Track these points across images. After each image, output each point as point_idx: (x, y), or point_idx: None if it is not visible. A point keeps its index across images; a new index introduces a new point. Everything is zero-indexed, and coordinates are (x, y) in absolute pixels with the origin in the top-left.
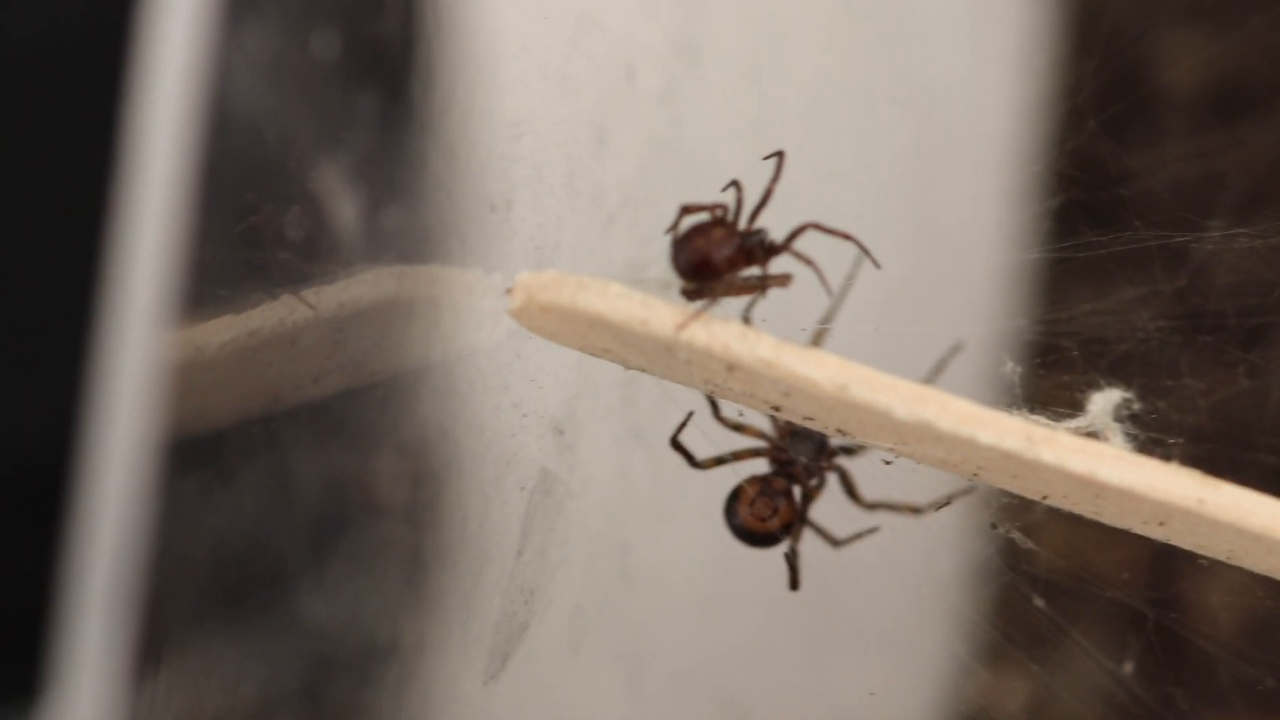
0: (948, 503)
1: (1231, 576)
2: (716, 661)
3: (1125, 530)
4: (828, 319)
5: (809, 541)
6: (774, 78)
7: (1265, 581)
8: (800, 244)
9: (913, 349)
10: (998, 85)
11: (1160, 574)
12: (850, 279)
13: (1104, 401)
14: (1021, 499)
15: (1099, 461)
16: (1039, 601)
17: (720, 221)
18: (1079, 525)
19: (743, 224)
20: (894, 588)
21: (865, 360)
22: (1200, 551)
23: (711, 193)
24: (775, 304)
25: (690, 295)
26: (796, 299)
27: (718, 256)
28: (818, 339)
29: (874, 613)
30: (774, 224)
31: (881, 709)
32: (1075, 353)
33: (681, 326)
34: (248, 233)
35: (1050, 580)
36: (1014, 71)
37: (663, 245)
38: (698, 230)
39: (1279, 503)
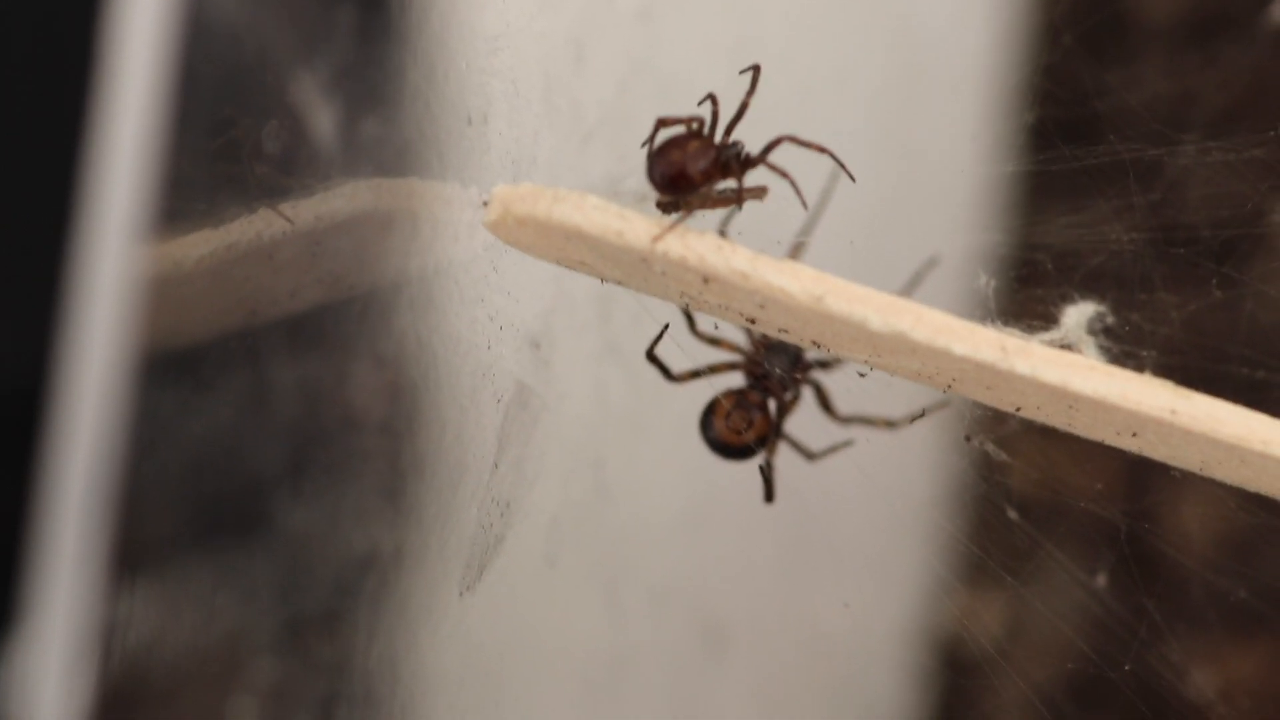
0: (922, 415)
1: (1204, 489)
2: (693, 575)
3: (1099, 442)
4: (804, 233)
5: (787, 457)
6: None
7: (1237, 493)
8: (776, 159)
9: (888, 263)
10: (974, 1)
11: (1134, 486)
12: (826, 193)
13: (1078, 314)
14: (996, 411)
15: (1072, 372)
16: (1013, 514)
17: (696, 134)
18: (1053, 438)
19: (718, 137)
20: (870, 503)
21: (841, 274)
22: (1173, 463)
23: (689, 108)
24: (751, 218)
25: (666, 208)
26: (773, 213)
27: (693, 169)
28: (794, 252)
29: (851, 528)
30: (751, 140)
31: (859, 624)
32: (1049, 266)
33: (657, 238)
34: (225, 146)
35: (1024, 493)
36: None
37: (639, 160)
38: (673, 143)
39: (1251, 413)
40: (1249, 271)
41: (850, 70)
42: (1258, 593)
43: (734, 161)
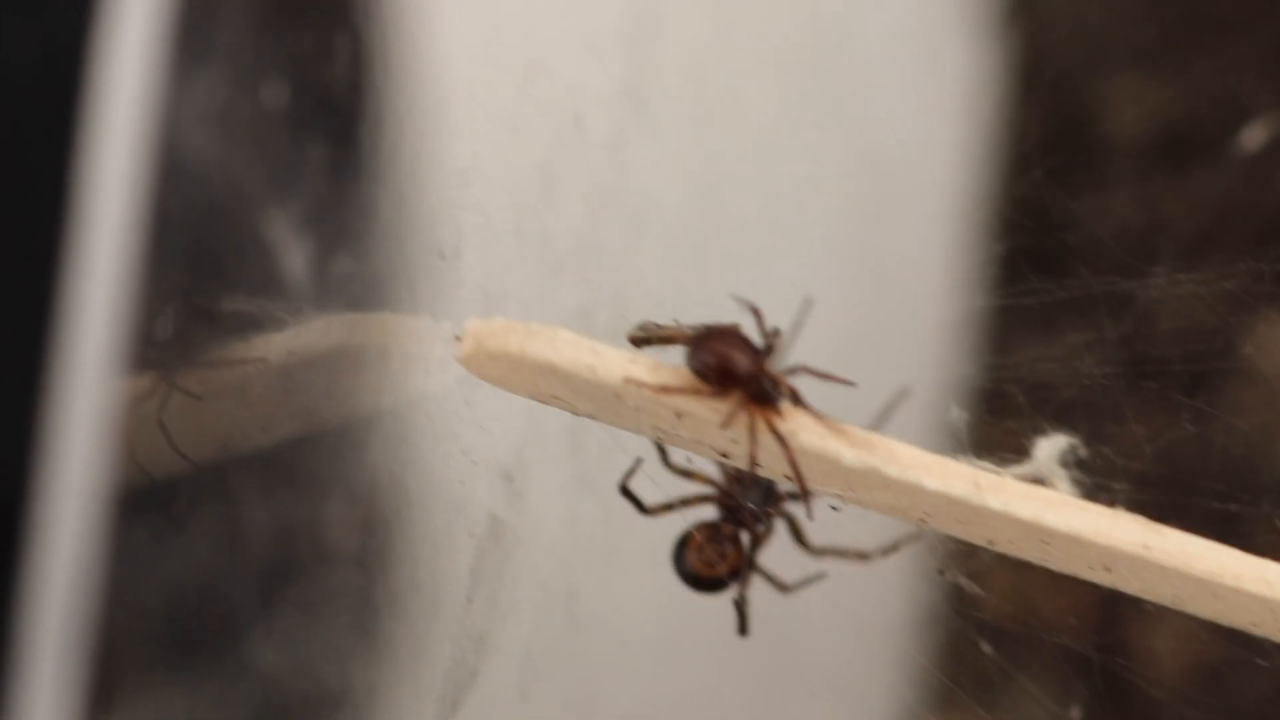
0: (895, 549)
1: (1177, 621)
2: (666, 708)
3: (1072, 576)
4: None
5: (759, 588)
6: (721, 126)
7: (1210, 626)
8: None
9: (859, 395)
10: (944, 132)
11: (1107, 619)
12: (796, 326)
13: (1050, 447)
14: (968, 544)
15: (1045, 507)
16: (986, 647)
17: (749, 342)
18: (1026, 570)
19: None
20: (843, 633)
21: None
22: (1146, 597)
23: (657, 240)
24: None
25: (638, 343)
26: None
27: (742, 368)
28: None
29: (823, 658)
30: (724, 276)
31: None
32: (1021, 399)
33: (630, 381)
34: (197, 281)
35: (997, 625)
36: (960, 118)
37: (610, 290)
38: (727, 336)
39: (1223, 548)
40: (1220, 404)
41: (818, 200)
42: None
43: (768, 391)
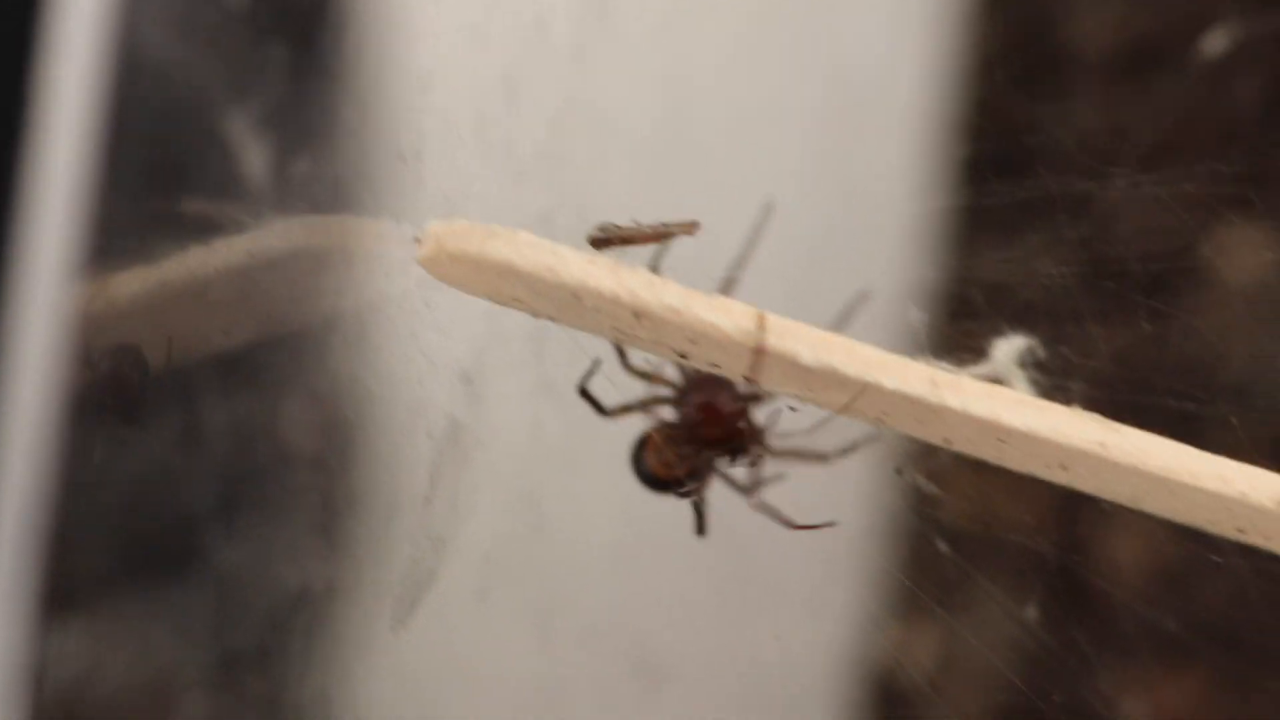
0: (854, 449)
1: (1134, 521)
2: (627, 612)
3: (1030, 476)
4: (736, 268)
5: (721, 494)
6: (687, 33)
7: (1168, 526)
8: (715, 213)
9: (820, 297)
10: (907, 36)
11: (1064, 519)
12: (758, 229)
13: (1008, 348)
14: (926, 445)
15: (1002, 405)
16: (944, 547)
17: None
18: (984, 471)
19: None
20: (802, 536)
21: (773, 309)
22: (1103, 496)
23: (621, 147)
24: (684, 252)
25: (597, 244)
26: (704, 248)
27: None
28: (726, 288)
29: (784, 562)
30: (688, 182)
31: (792, 658)
32: (981, 300)
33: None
34: (156, 184)
35: (955, 526)
36: (923, 23)
37: (572, 196)
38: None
39: (1180, 446)
40: (1178, 305)
41: (782, 106)
42: (1187, 624)
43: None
